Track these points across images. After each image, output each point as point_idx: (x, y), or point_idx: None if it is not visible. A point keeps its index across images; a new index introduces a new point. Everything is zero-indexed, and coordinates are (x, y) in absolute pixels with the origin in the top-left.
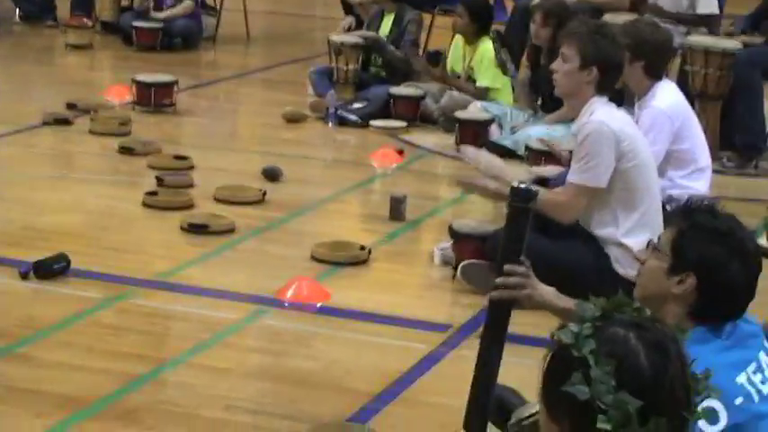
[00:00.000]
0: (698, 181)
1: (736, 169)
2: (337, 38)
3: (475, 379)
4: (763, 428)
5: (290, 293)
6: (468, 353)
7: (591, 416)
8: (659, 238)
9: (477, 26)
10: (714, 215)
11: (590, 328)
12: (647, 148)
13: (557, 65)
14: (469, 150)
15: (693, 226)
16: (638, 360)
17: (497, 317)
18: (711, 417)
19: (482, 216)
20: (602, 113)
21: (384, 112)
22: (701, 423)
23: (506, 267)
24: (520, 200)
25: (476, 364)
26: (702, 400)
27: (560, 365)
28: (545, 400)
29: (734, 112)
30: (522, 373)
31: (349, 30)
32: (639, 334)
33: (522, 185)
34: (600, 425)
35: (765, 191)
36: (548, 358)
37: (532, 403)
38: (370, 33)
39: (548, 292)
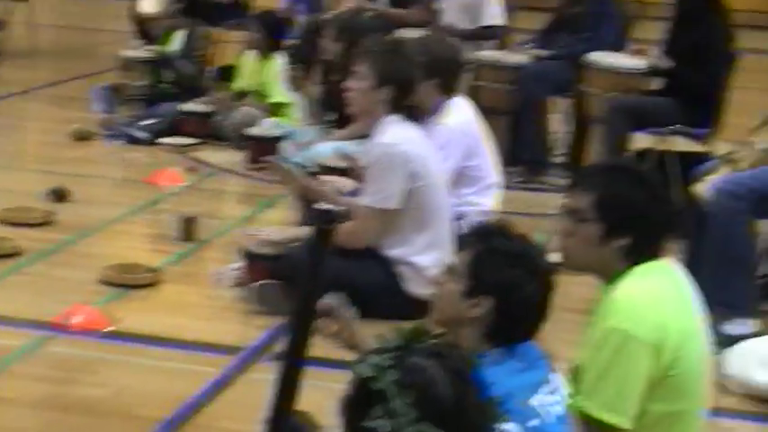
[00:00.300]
0: (486, 197)
1: (523, 184)
2: (127, 53)
3: (273, 404)
4: None
5: (73, 320)
6: (259, 376)
7: None
8: (455, 262)
9: (270, 42)
10: (508, 237)
11: (390, 359)
12: (439, 167)
13: (351, 83)
14: (277, 164)
15: (489, 249)
16: (439, 389)
17: (297, 341)
18: None
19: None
20: (393, 133)
21: (174, 130)
22: None
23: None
24: (324, 221)
25: (274, 389)
26: (499, 424)
27: (361, 399)
28: None
29: (521, 128)
30: (318, 397)
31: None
32: (439, 362)
33: (326, 207)
34: None
35: (551, 205)
36: (348, 391)
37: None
38: (160, 48)
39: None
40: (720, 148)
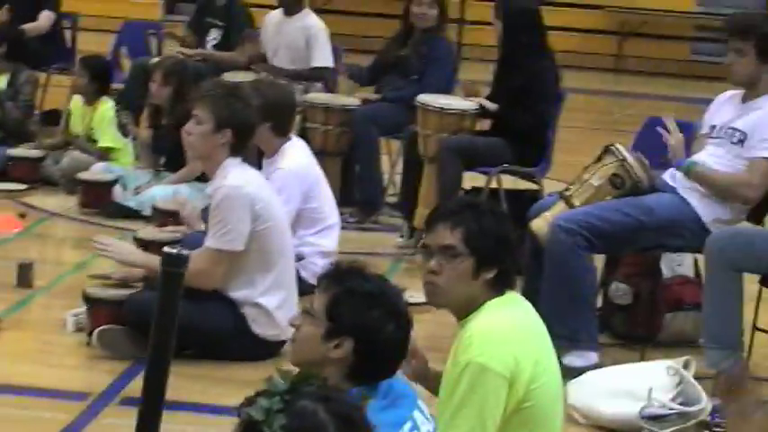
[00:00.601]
0: (327, 238)
1: (358, 224)
2: None
3: None
4: None
5: None
6: (111, 420)
7: None
8: (312, 304)
9: (97, 86)
10: (365, 278)
11: (279, 403)
12: (281, 208)
13: (190, 127)
14: (102, 240)
15: (347, 290)
16: None
17: (154, 385)
18: None
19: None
20: (236, 176)
21: (2, 175)
22: None
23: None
24: (174, 265)
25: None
26: None
27: None
28: None
29: (353, 168)
30: None
31: None
32: (328, 406)
33: (174, 250)
34: None
35: (386, 244)
36: None
37: None
38: None
39: None
40: (550, 185)
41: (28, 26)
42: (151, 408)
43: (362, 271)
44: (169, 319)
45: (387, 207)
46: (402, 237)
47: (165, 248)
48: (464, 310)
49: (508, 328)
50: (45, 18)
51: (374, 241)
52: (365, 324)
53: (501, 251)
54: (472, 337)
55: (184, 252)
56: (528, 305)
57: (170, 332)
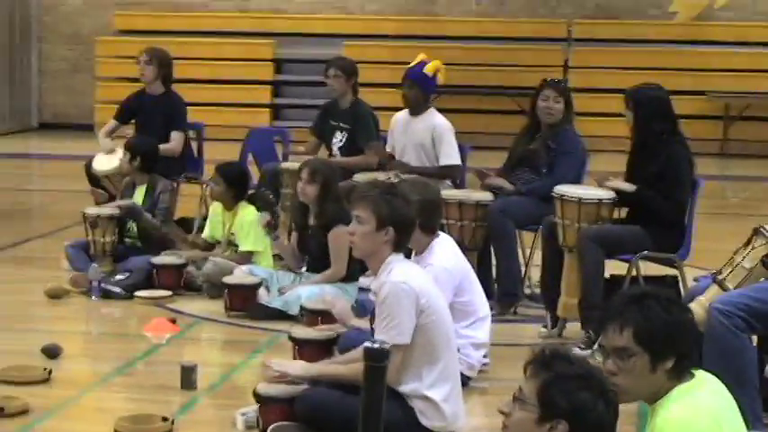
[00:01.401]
0: (479, 330)
1: (498, 316)
2: (93, 211)
3: None
4: None
5: None
6: None
7: None
8: (520, 389)
9: (234, 192)
10: (570, 361)
11: None
12: (444, 302)
13: (352, 227)
14: (276, 362)
15: (556, 374)
16: None
17: None
18: None
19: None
20: (399, 272)
21: (147, 283)
22: None
23: None
24: (376, 360)
25: None
26: None
27: None
28: None
29: (489, 262)
30: None
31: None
32: None
33: (376, 345)
34: None
35: (530, 335)
36: None
37: None
38: (127, 202)
39: None
40: (689, 271)
41: (162, 147)
42: None
43: (567, 354)
44: (375, 412)
45: (525, 299)
46: (545, 327)
47: (366, 343)
48: (653, 400)
49: (709, 413)
50: (177, 139)
51: (518, 332)
52: (578, 406)
53: (674, 339)
54: (673, 422)
55: (386, 345)
56: (717, 384)
57: (378, 424)
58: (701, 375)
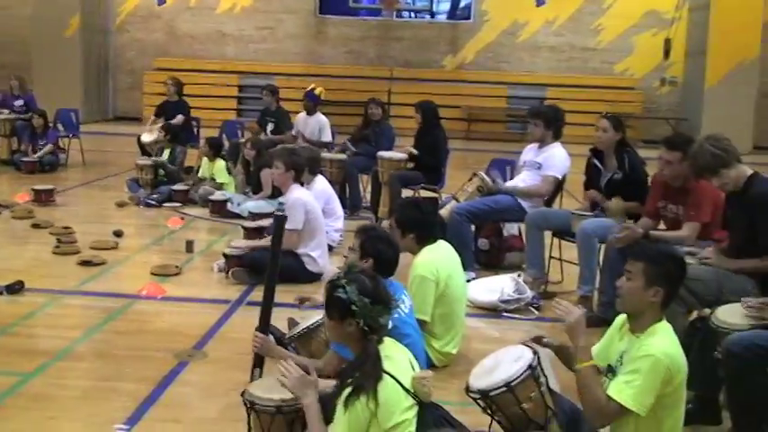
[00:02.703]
0: (337, 222)
1: (351, 215)
2: (139, 161)
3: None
4: None
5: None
6: (244, 312)
7: None
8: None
9: (214, 152)
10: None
11: (345, 277)
12: (318, 208)
13: (273, 170)
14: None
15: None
16: (368, 285)
17: (269, 294)
18: None
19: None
20: (296, 192)
21: (169, 198)
22: None
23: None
24: (281, 219)
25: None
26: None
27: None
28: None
29: (345, 189)
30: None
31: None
32: (362, 274)
33: (281, 213)
34: None
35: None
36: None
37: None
38: (160, 159)
39: None
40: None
41: (173, 122)
42: (266, 307)
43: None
44: (276, 254)
45: (363, 208)
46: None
47: (277, 213)
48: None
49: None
50: (179, 119)
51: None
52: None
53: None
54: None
55: (285, 215)
56: (449, 249)
57: (277, 259)
58: (440, 243)
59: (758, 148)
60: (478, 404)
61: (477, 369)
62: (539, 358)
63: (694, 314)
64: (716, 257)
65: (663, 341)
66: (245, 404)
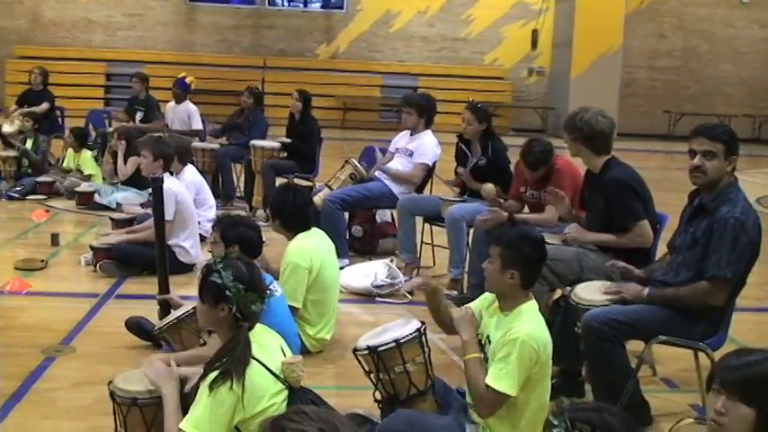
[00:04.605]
0: (209, 212)
1: (223, 207)
2: (4, 153)
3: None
4: None
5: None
6: (113, 306)
7: None
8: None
9: (80, 143)
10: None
11: (221, 263)
12: (190, 199)
13: (140, 159)
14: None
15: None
16: (242, 270)
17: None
18: None
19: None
20: (168, 182)
21: (32, 191)
22: None
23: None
24: (159, 182)
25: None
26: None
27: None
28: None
29: (218, 179)
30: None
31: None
32: (238, 261)
33: (159, 177)
34: None
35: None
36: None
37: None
38: (23, 147)
39: None
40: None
41: (36, 109)
42: (163, 270)
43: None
44: (161, 214)
45: (237, 198)
46: (245, 212)
47: (152, 177)
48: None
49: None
50: (44, 106)
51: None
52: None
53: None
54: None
55: (161, 177)
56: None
57: (163, 222)
58: (314, 230)
59: (621, 135)
60: (363, 367)
61: (366, 335)
62: (425, 329)
63: (558, 292)
64: (576, 230)
65: (528, 323)
66: (110, 396)
